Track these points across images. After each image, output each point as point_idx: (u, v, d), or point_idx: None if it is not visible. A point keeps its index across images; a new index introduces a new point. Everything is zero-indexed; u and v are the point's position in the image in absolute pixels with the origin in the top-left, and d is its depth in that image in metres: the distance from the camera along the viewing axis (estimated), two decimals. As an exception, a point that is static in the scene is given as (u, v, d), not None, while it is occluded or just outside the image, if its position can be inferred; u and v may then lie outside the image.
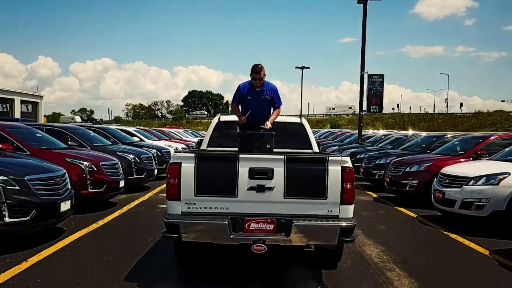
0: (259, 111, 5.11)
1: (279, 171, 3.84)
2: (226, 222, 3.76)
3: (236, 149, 5.13)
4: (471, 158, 8.37)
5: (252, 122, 5.07)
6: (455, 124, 69.64)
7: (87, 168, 7.20)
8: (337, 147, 18.25)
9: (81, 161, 7.25)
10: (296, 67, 42.11)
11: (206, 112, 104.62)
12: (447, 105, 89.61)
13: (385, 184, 9.56)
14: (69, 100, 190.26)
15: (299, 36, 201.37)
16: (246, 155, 3.97)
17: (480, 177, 6.40)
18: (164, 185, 10.93)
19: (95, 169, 7.32)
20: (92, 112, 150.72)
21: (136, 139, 13.63)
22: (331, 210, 3.89)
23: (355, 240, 5.48)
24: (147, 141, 13.99)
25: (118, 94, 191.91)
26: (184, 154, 3.92)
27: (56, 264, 4.52)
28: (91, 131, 10.77)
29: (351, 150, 14.96)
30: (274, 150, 5.15)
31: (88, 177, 7.18)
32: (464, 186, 6.51)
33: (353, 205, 3.98)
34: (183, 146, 15.63)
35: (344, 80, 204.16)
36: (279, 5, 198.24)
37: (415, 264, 4.83)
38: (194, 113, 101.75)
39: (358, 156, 13.27)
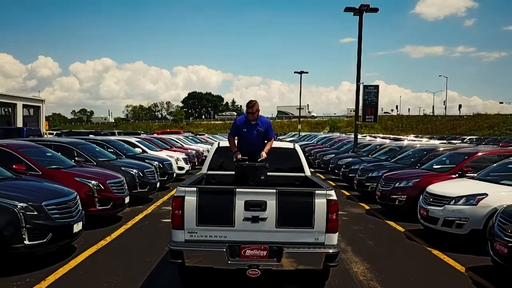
0: (254, 142, 5.61)
1: (271, 204, 4.33)
2: (224, 249, 4.26)
3: (233, 172, 5.65)
4: (457, 175, 8.88)
5: (248, 152, 5.57)
6: (453, 127, 70.22)
7: (95, 187, 7.69)
8: (333, 155, 18.76)
9: (89, 180, 7.74)
10: (295, 72, 42.52)
11: (235, 113, 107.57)
12: (445, 107, 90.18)
13: (376, 197, 10.05)
14: (69, 100, 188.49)
15: (300, 36, 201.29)
16: (242, 189, 4.46)
17: (461, 197, 6.91)
18: (166, 197, 11.47)
19: (102, 187, 7.81)
20: (92, 113, 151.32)
21: (138, 150, 14.11)
22: (318, 238, 4.38)
23: (344, 257, 6.03)
24: (150, 152, 14.47)
25: (118, 94, 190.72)
26: (187, 188, 4.41)
27: (72, 284, 5.01)
28: (96, 146, 11.25)
29: (347, 160, 15.44)
30: (271, 174, 5.69)
31: (96, 195, 7.67)
32: (446, 205, 7.01)
33: (337, 233, 4.47)
34: (184, 156, 16.10)
35: (344, 80, 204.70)
36: (279, 4, 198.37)
37: (396, 283, 5.32)
38: (224, 114, 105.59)
39: (352, 167, 13.79)
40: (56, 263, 5.59)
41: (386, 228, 8.55)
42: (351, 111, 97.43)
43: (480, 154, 9.40)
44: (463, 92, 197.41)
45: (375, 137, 35.56)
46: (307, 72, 41.64)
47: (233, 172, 5.67)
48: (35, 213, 5.30)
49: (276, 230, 4.34)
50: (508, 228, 5.16)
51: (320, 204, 4.36)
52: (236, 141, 5.85)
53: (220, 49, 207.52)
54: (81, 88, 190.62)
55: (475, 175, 8.19)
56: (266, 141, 5.83)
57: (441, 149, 12.11)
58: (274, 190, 4.39)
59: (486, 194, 6.71)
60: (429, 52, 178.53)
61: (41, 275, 5.15)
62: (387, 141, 22.68)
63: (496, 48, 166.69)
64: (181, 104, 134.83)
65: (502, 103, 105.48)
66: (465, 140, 42.90)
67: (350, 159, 15.54)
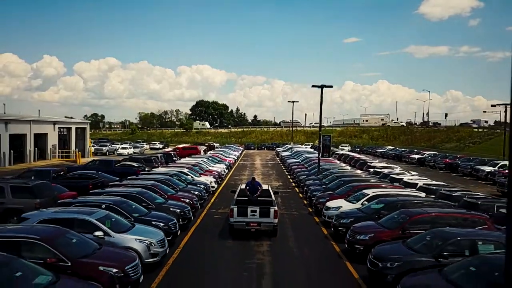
0: (255, 190, 16.69)
1: (258, 210, 15.37)
2: (245, 223, 15.34)
3: (247, 198, 16.70)
4: (346, 196, 19.72)
5: (253, 192, 16.66)
6: (429, 138, 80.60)
7: (180, 212, 18.44)
8: (305, 176, 29.68)
9: (177, 209, 18.55)
10: (288, 101, 53.20)
11: (299, 121, 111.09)
12: (428, 117, 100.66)
13: (313, 205, 20.96)
14: (74, 99, 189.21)
15: (303, 35, 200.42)
16: (250, 206, 15.51)
17: (334, 207, 17.82)
18: (210, 204, 22.60)
19: (192, 202, 18.76)
20: (103, 116, 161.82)
21: (189, 177, 25.07)
22: (272, 220, 15.41)
23: (287, 229, 17.07)
24: (196, 178, 25.43)
25: (122, 93, 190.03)
26: (234, 206, 15.48)
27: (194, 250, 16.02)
28: (176, 179, 22.22)
29: (309, 181, 26.29)
30: (261, 198, 16.70)
31: (189, 207, 18.52)
32: (329, 210, 17.92)
33: (277, 218, 15.49)
34: (213, 179, 27.11)
35: (347, 80, 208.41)
36: (283, 4, 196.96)
37: (300, 236, 16.22)
38: (288, 121, 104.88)
39: (309, 187, 24.68)
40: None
41: (312, 220, 19.42)
42: (364, 121, 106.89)
43: (357, 188, 20.27)
44: (466, 92, 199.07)
45: (347, 155, 46.16)
46: (297, 101, 52.14)
47: (247, 198, 16.68)
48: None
49: (259, 218, 15.34)
50: (339, 219, 16.12)
51: (272, 211, 15.39)
52: (247, 188, 16.88)
53: (224, 49, 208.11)
54: (85, 87, 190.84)
55: (351, 196, 19.10)
56: (259, 188, 16.85)
57: (353, 178, 23.01)
58: (259, 207, 15.42)
59: (341, 206, 17.63)
60: (433, 52, 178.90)
61: None
62: (348, 168, 32.99)
63: (500, 48, 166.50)
64: (186, 106, 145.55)
65: (485, 111, 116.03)
66: (424, 155, 53.72)
67: (311, 181, 26.48)
